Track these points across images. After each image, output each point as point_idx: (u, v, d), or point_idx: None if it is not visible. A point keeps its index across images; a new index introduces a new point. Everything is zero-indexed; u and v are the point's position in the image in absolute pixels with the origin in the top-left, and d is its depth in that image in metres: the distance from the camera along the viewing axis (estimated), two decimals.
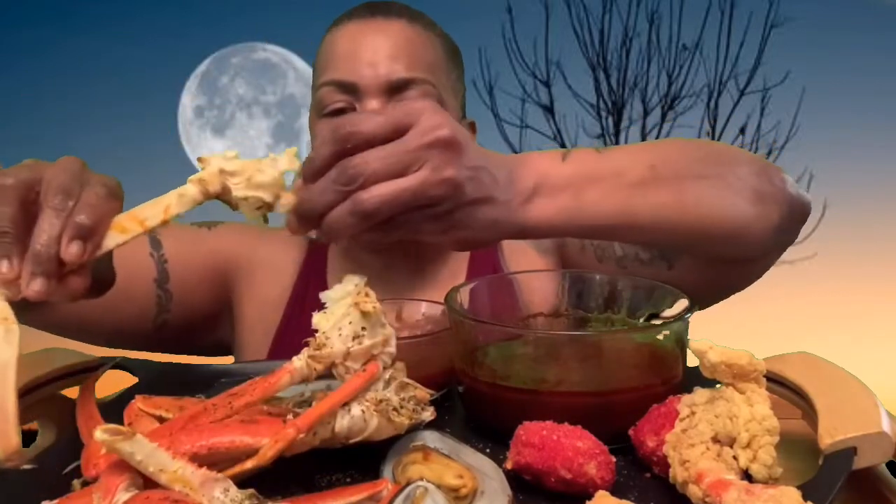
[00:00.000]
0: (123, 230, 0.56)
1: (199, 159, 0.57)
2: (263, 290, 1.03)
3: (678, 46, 7.63)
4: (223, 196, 0.56)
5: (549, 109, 7.82)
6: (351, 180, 0.55)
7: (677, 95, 7.73)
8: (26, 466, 0.55)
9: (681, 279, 0.87)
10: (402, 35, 0.95)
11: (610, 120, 7.82)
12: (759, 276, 0.91)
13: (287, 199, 0.58)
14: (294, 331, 1.00)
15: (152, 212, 0.56)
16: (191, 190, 0.56)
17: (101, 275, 0.62)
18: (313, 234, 0.59)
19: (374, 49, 0.93)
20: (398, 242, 0.94)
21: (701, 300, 0.93)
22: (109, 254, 0.61)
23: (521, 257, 1.04)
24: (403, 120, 0.57)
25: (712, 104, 7.68)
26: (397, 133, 0.57)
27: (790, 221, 0.82)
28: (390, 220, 0.57)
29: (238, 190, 0.56)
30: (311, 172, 0.57)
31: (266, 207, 0.57)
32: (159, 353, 1.01)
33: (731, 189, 0.76)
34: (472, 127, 1.08)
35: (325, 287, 0.59)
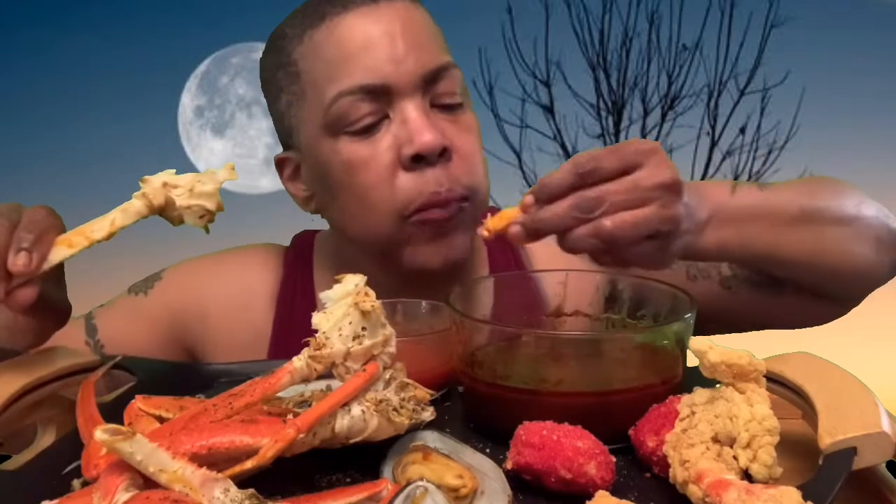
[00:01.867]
0: (70, 244, 0.60)
1: (142, 180, 0.61)
2: (231, 336, 0.93)
3: (678, 46, 7.63)
4: (166, 211, 0.60)
5: (549, 109, 7.81)
6: (591, 209, 0.62)
7: (677, 95, 7.72)
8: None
9: (786, 308, 0.89)
10: (412, 17, 0.83)
11: (610, 120, 7.82)
12: (850, 309, 0.92)
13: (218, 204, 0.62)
14: (287, 341, 0.93)
15: (98, 226, 0.59)
16: (135, 204, 0.59)
17: (54, 302, 0.65)
18: None
19: (393, 40, 0.81)
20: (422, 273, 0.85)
21: (794, 327, 0.95)
22: (62, 282, 0.66)
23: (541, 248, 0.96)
24: (635, 159, 0.63)
25: (712, 104, 7.67)
26: (628, 171, 0.63)
27: None
28: (618, 243, 0.63)
29: (181, 199, 0.60)
30: (549, 195, 0.63)
31: (208, 216, 0.62)
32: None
33: (862, 237, 0.81)
34: None
35: (313, 304, 0.59)
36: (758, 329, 0.97)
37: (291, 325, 0.93)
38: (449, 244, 0.84)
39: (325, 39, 0.82)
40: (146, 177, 0.60)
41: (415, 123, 0.80)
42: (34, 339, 0.66)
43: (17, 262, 0.57)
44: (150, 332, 0.93)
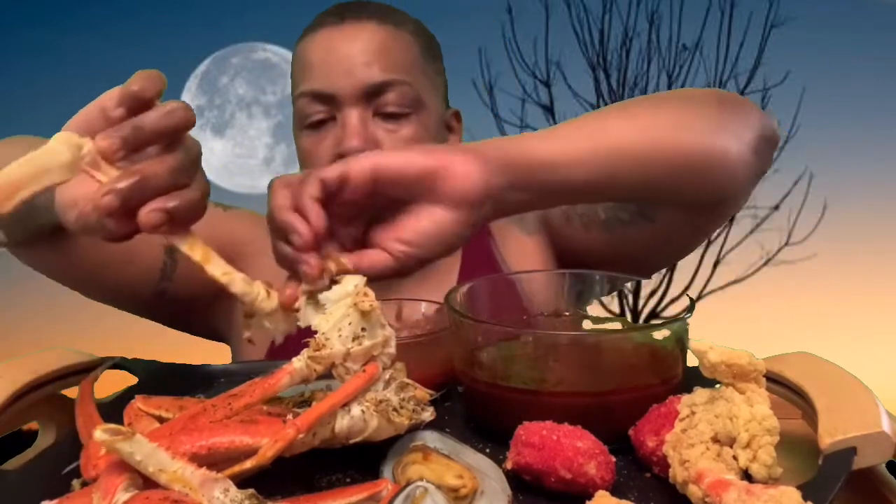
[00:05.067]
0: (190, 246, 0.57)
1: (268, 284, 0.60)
2: (266, 280, 1.01)
3: (678, 46, 7.64)
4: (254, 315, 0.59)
5: (549, 109, 7.82)
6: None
7: None
8: None
9: (664, 232, 0.90)
10: (374, 38, 0.96)
11: None
12: (732, 214, 0.92)
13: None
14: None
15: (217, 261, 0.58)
16: (257, 288, 0.58)
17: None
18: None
19: (348, 56, 0.95)
20: None
21: (681, 250, 0.97)
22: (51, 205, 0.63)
23: (513, 243, 1.04)
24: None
25: None
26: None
27: (763, 144, 0.82)
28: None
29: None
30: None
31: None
32: (152, 332, 1.03)
33: (705, 120, 0.76)
34: (456, 116, 1.08)
35: None
36: (665, 261, 1.00)
37: None
38: None
39: (301, 50, 1.00)
40: (287, 282, 0.60)
41: (348, 129, 0.94)
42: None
43: (152, 218, 0.53)
44: (217, 239, 0.96)
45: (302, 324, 0.58)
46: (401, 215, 0.61)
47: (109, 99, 0.54)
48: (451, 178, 0.60)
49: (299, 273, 0.58)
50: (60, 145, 0.51)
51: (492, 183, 0.62)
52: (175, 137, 0.55)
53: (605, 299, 4.34)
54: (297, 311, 0.58)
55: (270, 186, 0.61)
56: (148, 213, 0.53)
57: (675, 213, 0.88)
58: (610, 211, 0.95)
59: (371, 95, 0.95)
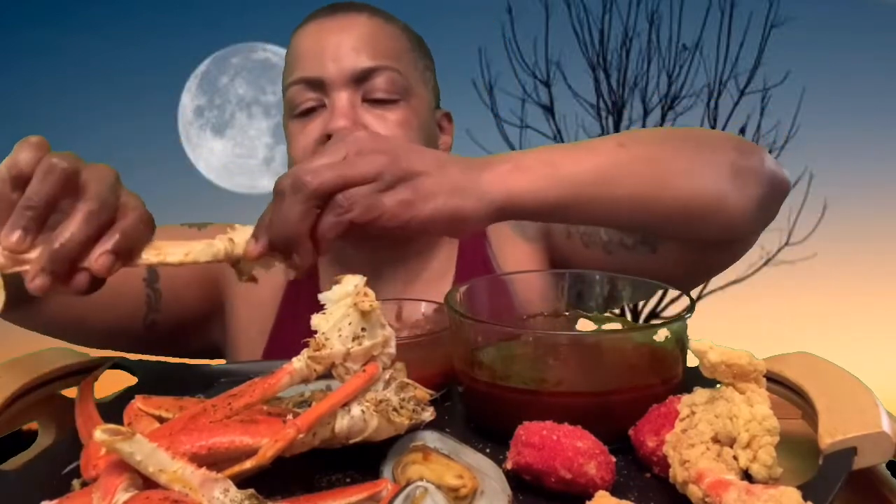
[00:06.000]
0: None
1: (231, 227, 0.62)
2: (256, 290, 1.00)
3: (678, 46, 7.64)
4: (240, 263, 0.62)
5: (549, 109, 7.82)
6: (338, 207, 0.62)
7: (677, 95, 7.73)
8: None
9: (665, 264, 0.89)
10: (363, 28, 0.97)
11: (610, 120, 7.82)
12: (739, 257, 0.91)
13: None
14: (288, 332, 1.00)
15: (174, 250, 0.60)
16: (217, 245, 0.60)
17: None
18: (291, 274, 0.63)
19: (337, 44, 0.96)
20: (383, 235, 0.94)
21: (684, 284, 0.94)
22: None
23: (510, 247, 1.04)
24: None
25: (712, 104, 7.68)
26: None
27: (770, 198, 0.82)
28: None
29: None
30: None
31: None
32: (151, 356, 1.02)
33: (708, 164, 0.76)
34: (447, 117, 1.09)
35: (317, 287, 0.60)
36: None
37: (294, 322, 1.00)
38: None
39: (294, 42, 1.00)
40: (237, 225, 0.62)
41: (336, 110, 0.94)
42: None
43: (102, 261, 0.56)
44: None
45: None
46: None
47: (2, 182, 0.56)
48: (462, 234, 0.67)
49: (284, 259, 0.62)
50: None
51: (492, 221, 0.68)
52: (72, 189, 0.57)
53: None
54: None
55: (297, 185, 0.60)
56: (96, 261, 0.56)
57: (677, 248, 0.88)
58: (613, 234, 0.94)
59: (359, 80, 0.95)
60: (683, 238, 0.83)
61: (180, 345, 1.04)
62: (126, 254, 0.57)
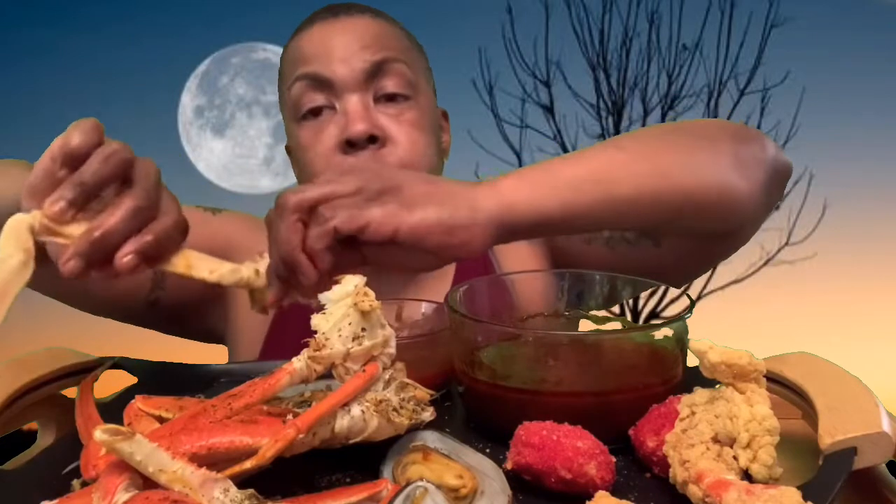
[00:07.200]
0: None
1: (260, 254, 0.64)
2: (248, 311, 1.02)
3: (678, 46, 7.64)
4: (257, 291, 0.63)
5: (549, 109, 7.82)
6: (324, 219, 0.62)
7: (677, 95, 7.73)
8: None
9: (668, 257, 0.89)
10: (369, 28, 0.97)
11: (610, 120, 7.82)
12: (742, 245, 0.91)
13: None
14: (289, 323, 1.00)
15: (200, 264, 0.60)
16: (242, 271, 0.62)
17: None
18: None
19: (345, 45, 0.94)
20: None
21: (686, 276, 0.95)
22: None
23: (510, 247, 1.03)
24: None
25: (712, 104, 7.69)
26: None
27: (773, 182, 0.82)
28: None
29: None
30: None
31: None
32: (149, 329, 1.03)
33: (708, 155, 0.76)
34: (444, 116, 1.09)
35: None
36: (671, 284, 1.00)
37: (285, 324, 1.00)
38: None
39: (295, 45, 0.98)
40: (266, 253, 0.63)
41: (351, 113, 0.92)
42: None
43: (128, 261, 0.56)
44: (206, 242, 0.96)
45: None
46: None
47: (52, 159, 0.56)
48: (461, 251, 0.65)
49: (294, 286, 0.62)
50: (8, 250, 0.54)
51: (493, 242, 0.67)
52: (122, 179, 0.57)
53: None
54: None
55: (281, 206, 0.62)
56: (122, 259, 0.56)
57: (681, 241, 0.88)
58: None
59: (370, 78, 0.94)
60: (692, 231, 0.83)
61: (181, 325, 1.04)
62: (154, 257, 0.58)
